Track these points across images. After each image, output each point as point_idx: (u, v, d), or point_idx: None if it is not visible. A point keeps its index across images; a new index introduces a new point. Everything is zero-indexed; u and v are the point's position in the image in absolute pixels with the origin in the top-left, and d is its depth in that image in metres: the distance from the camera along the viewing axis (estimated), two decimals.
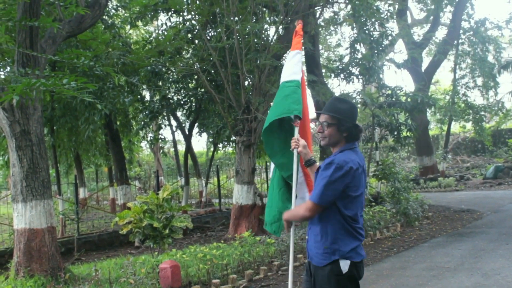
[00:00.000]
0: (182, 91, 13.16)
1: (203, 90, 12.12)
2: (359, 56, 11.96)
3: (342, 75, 12.12)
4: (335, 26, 14.11)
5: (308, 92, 12.25)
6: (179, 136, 25.13)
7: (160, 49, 10.76)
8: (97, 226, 11.99)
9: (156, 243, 6.95)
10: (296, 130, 3.25)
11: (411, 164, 24.65)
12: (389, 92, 12.81)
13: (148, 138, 16.79)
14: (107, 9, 11.62)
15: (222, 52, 9.74)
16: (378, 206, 10.23)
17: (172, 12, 11.33)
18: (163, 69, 11.50)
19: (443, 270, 6.13)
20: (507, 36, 24.27)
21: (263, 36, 9.64)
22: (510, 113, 23.56)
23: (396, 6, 17.13)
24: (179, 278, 5.65)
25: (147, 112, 12.92)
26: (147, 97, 14.10)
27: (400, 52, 37.63)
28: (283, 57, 9.96)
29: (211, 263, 6.14)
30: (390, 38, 12.27)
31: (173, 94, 13.39)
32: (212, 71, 10.93)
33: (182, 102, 13.29)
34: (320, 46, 21.19)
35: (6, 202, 12.31)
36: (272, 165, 3.52)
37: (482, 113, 19.88)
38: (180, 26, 11.44)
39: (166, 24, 12.03)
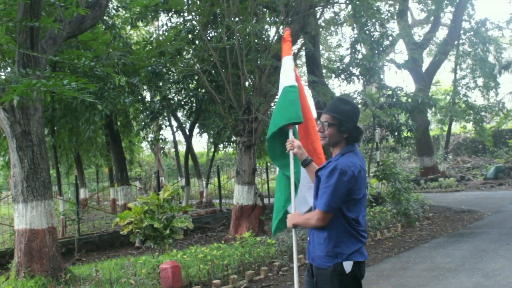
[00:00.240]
0: (182, 92, 13.17)
1: (203, 90, 12.12)
2: (360, 56, 11.95)
3: (342, 76, 12.11)
4: (336, 27, 14.09)
5: (309, 92, 12.26)
6: (179, 136, 25.06)
7: (160, 50, 10.75)
8: (98, 227, 11.99)
9: (156, 244, 6.95)
10: (290, 132, 3.29)
11: (412, 164, 24.64)
12: (390, 92, 12.80)
13: (149, 139, 16.77)
14: (108, 9, 11.62)
15: (222, 52, 9.74)
16: (378, 207, 10.22)
17: (173, 12, 11.33)
18: (164, 70, 11.50)
19: (443, 271, 6.13)
20: (507, 36, 24.26)
21: (263, 36, 9.63)
22: (510, 114, 23.54)
23: (397, 7, 17.11)
24: (180, 279, 5.65)
25: (147, 112, 12.92)
26: (148, 98, 14.11)
27: (400, 53, 37.56)
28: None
29: (212, 263, 6.14)
30: (390, 38, 12.27)
31: (173, 94, 13.39)
32: (213, 72, 10.93)
33: (182, 103, 13.29)
34: (321, 47, 21.20)
35: (7, 202, 12.31)
36: (276, 169, 3.56)
37: (483, 113, 19.87)
38: (181, 27, 11.43)
39: (166, 24, 12.04)
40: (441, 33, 22.92)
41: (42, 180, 6.01)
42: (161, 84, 12.28)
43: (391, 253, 7.51)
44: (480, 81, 20.56)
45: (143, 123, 13.65)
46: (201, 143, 77.58)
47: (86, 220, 12.87)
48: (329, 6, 11.02)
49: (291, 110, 3.35)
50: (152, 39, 12.88)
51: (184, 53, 11.80)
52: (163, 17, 15.88)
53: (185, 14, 11.21)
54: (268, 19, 10.34)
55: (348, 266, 2.62)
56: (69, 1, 5.30)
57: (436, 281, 5.69)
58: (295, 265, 3.12)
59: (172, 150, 25.61)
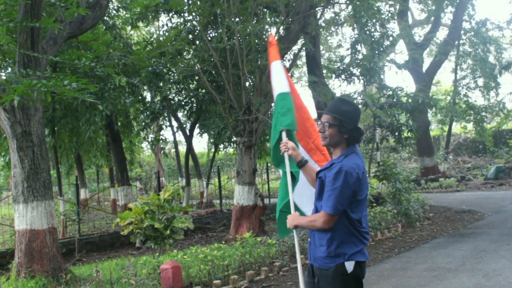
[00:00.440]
0: (183, 92, 13.17)
1: (204, 91, 12.12)
2: (360, 56, 11.94)
3: (343, 76, 12.11)
4: (336, 27, 14.07)
5: (309, 93, 12.26)
6: (180, 137, 25.09)
7: (161, 50, 10.75)
8: (98, 227, 11.99)
9: (157, 244, 6.95)
10: (284, 134, 3.32)
11: (412, 164, 24.65)
12: (390, 92, 12.81)
13: (149, 139, 16.77)
14: (108, 10, 11.62)
15: (223, 53, 9.74)
16: (379, 207, 10.22)
17: (173, 13, 11.34)
18: (164, 70, 11.50)
19: (444, 271, 6.13)
20: (508, 36, 24.26)
21: (264, 36, 9.64)
22: (511, 114, 23.53)
23: (397, 7, 17.12)
24: (180, 279, 5.65)
25: (148, 113, 12.93)
26: (148, 98, 14.12)
27: (401, 53, 37.73)
28: (284, 58, 9.95)
29: (212, 264, 6.14)
30: (391, 38, 12.27)
31: (174, 95, 13.39)
32: (213, 72, 10.93)
33: (183, 103, 13.29)
34: (321, 47, 21.20)
35: (7, 203, 12.32)
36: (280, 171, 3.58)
37: (483, 113, 19.87)
38: (181, 27, 11.44)
39: (167, 25, 12.05)
40: (442, 33, 22.96)
41: (42, 181, 6.01)
42: (161, 84, 12.28)
43: (392, 253, 7.50)
44: (480, 81, 20.56)
45: (143, 124, 13.66)
46: (201, 143, 77.70)
47: (86, 221, 12.87)
48: (329, 7, 11.02)
49: (292, 116, 3.41)
50: (152, 39, 12.87)
51: (185, 54, 11.81)
52: (163, 18, 15.84)
53: (186, 14, 11.21)
54: (268, 19, 10.34)
55: (350, 266, 2.62)
56: (69, 1, 5.30)
57: (437, 281, 5.68)
58: (299, 265, 3.12)
59: (173, 150, 25.61)
